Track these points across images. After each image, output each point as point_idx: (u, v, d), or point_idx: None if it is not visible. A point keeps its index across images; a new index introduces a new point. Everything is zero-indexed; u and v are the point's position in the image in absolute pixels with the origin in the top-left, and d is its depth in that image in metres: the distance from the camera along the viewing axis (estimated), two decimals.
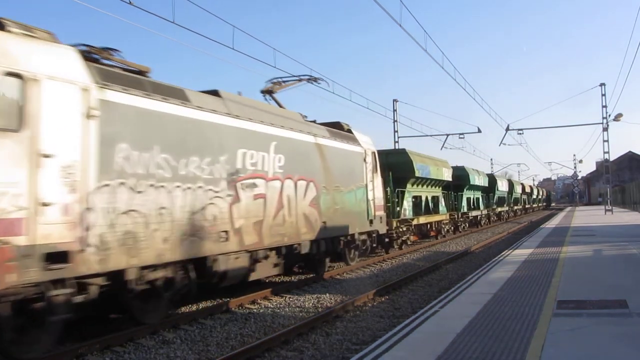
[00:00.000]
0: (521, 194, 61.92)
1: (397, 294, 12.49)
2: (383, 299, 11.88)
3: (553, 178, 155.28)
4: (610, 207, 42.22)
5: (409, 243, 22.73)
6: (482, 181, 36.78)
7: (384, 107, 37.77)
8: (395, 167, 21.66)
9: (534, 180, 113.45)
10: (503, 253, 15.64)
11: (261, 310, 10.85)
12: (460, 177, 32.35)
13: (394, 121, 37.30)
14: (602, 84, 36.65)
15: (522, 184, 67.11)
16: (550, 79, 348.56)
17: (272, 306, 11.28)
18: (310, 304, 11.45)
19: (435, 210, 27.14)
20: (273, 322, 9.87)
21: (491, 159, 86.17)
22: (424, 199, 25.50)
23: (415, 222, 23.12)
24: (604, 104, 36.63)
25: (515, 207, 58.26)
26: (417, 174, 22.61)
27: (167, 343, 8.51)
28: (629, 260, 12.64)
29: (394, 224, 20.26)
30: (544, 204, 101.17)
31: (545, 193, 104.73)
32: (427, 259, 19.41)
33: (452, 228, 30.49)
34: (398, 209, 21.14)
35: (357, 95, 68.21)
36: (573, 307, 7.52)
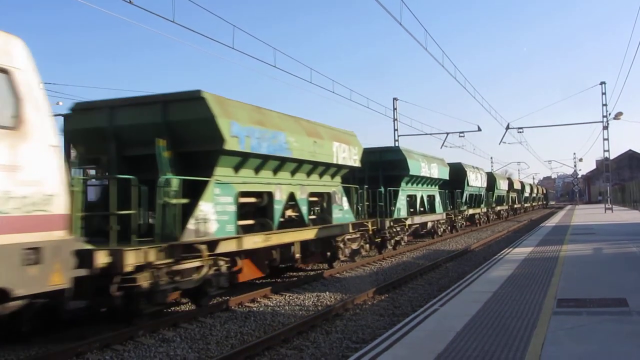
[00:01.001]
0: (508, 192, 50.62)
1: (397, 292, 12.50)
2: (383, 297, 11.88)
3: (553, 176, 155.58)
4: (610, 206, 42.27)
5: (213, 296, 10.90)
6: (436, 172, 25.21)
7: (384, 106, 37.76)
8: (184, 131, 10.47)
9: (534, 178, 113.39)
10: (503, 251, 15.65)
11: (261, 309, 10.85)
12: (393, 164, 21.27)
13: (394, 120, 37.32)
14: (602, 83, 36.73)
15: (508, 178, 55.07)
16: (550, 78, 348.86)
17: (272, 304, 11.28)
18: (310, 302, 11.45)
19: (324, 218, 15.30)
20: (273, 321, 9.87)
21: (491, 158, 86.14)
22: (280, 197, 12.84)
23: (224, 247, 10.50)
24: (604, 103, 36.66)
25: (499, 208, 45.82)
26: (233, 147, 10.74)
27: (166, 341, 8.51)
28: (629, 259, 12.64)
29: (136, 258, 8.63)
30: (542, 202, 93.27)
31: (542, 191, 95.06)
32: (426, 258, 19.40)
33: (367, 246, 17.94)
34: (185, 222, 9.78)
35: (357, 95, 68.35)
36: (573, 306, 7.52)
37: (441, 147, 40.82)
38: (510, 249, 16.30)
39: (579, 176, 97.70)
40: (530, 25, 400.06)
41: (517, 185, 57.35)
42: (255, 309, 10.87)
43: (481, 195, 37.86)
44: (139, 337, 8.61)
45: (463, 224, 32.94)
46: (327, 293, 12.39)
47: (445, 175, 27.17)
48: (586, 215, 39.15)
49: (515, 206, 57.31)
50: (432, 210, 26.18)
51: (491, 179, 42.12)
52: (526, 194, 66.08)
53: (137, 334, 8.66)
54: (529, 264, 12.15)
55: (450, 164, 29.63)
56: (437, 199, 26.78)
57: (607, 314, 6.96)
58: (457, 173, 31.37)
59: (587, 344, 5.59)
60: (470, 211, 34.81)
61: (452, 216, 29.85)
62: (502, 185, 46.82)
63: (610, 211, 40.58)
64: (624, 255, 13.42)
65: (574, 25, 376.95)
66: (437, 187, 26.82)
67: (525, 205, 66.97)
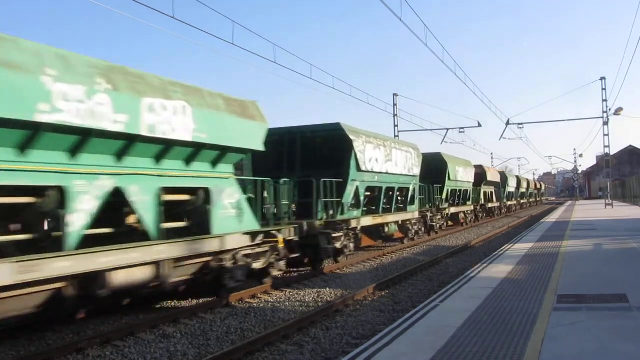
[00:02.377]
0: (478, 187, 37.11)
1: (397, 288, 12.51)
2: (383, 293, 11.89)
3: (553, 172, 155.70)
4: (610, 201, 42.23)
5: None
6: (203, 128, 9.65)
7: (384, 101, 37.71)
8: None
9: (534, 174, 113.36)
10: (503, 247, 15.64)
11: (261, 305, 10.86)
12: None
13: (394, 115, 37.31)
14: (602, 78, 36.64)
15: (477, 167, 37.55)
16: (550, 73, 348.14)
17: (272, 300, 11.28)
18: (311, 298, 11.46)
19: None
20: (273, 317, 9.88)
21: (491, 154, 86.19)
22: None
23: None
24: (604, 98, 36.61)
25: (456, 210, 30.70)
26: None
27: (167, 337, 8.52)
28: (629, 255, 12.63)
29: None
30: (537, 199, 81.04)
31: (536, 185, 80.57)
32: (427, 254, 19.41)
33: None
34: None
35: (357, 91, 68.29)
36: (573, 302, 7.51)
37: (441, 143, 40.51)
38: (511, 244, 16.29)
39: (579, 172, 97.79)
40: (532, 22, 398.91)
41: (492, 177, 41.11)
42: (255, 305, 10.88)
43: (408, 189, 21.30)
44: (140, 332, 8.62)
45: (347, 249, 15.86)
46: (328, 289, 12.40)
47: (245, 139, 11.04)
48: (586, 211, 39.15)
49: (491, 205, 42.27)
50: (202, 229, 10.25)
51: (436, 163, 27.34)
52: (510, 189, 51.22)
53: (137, 329, 8.67)
54: (530, 260, 12.15)
55: (309, 127, 16.09)
56: (224, 198, 10.66)
57: (608, 309, 6.96)
58: (329, 144, 15.93)
59: (587, 340, 5.59)
60: (365, 221, 16.95)
61: (289, 234, 12.56)
62: (462, 175, 31.07)
63: (610, 207, 40.56)
64: (624, 251, 13.41)
65: (574, 21, 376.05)
66: (223, 165, 10.80)
67: (510, 203, 52.31)
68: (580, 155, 79.62)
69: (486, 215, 40.98)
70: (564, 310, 6.99)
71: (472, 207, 35.03)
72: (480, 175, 37.59)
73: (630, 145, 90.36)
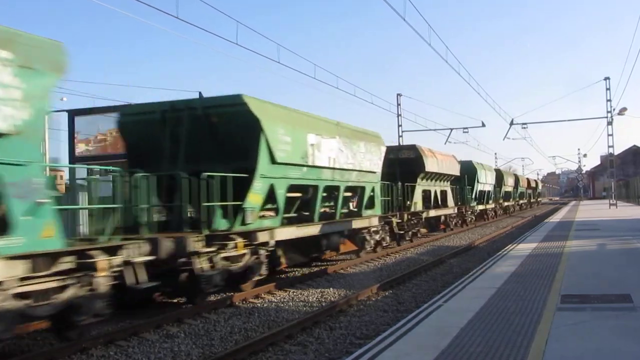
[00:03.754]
0: (403, 184, 21.19)
1: (400, 288, 12.50)
2: (387, 293, 11.88)
3: (557, 172, 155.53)
4: (614, 201, 42.11)
5: None
6: None
7: (388, 101, 37.61)
8: None
9: (538, 174, 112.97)
10: (507, 247, 15.62)
11: (265, 305, 10.87)
12: None
13: (398, 115, 37.30)
14: (606, 78, 36.55)
15: (410, 147, 23.42)
16: (552, 73, 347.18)
17: (275, 300, 11.29)
18: (314, 299, 11.46)
19: None
20: (277, 317, 9.89)
21: (495, 154, 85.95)
22: None
23: None
24: (608, 98, 36.52)
25: (285, 236, 12.25)
26: None
27: (171, 337, 8.53)
28: (633, 255, 12.61)
29: None
30: (529, 201, 65.11)
31: (528, 183, 64.23)
32: (431, 254, 19.40)
33: None
34: None
35: (361, 91, 68.45)
36: (577, 302, 7.50)
37: (445, 143, 40.09)
38: (515, 244, 16.27)
39: (583, 172, 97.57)
40: (532, 22, 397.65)
41: (437, 166, 24.72)
42: (259, 305, 10.89)
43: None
44: (143, 332, 8.64)
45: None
46: (331, 289, 12.41)
47: None
48: (590, 211, 39.06)
49: (437, 214, 25.84)
50: None
51: (234, 125, 11.17)
52: (484, 187, 36.89)
53: (141, 329, 8.69)
54: (533, 260, 12.12)
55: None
56: None
57: (611, 309, 6.94)
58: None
59: (591, 340, 5.58)
60: None
61: None
62: (338, 156, 14.79)
63: (614, 207, 40.45)
64: (628, 251, 13.38)
65: (574, 21, 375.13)
66: None
67: (482, 207, 36.84)
68: (584, 155, 79.28)
69: (430, 230, 26.03)
70: (567, 311, 6.98)
71: (375, 221, 17.55)
72: (411, 162, 22.43)
73: (634, 145, 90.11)
